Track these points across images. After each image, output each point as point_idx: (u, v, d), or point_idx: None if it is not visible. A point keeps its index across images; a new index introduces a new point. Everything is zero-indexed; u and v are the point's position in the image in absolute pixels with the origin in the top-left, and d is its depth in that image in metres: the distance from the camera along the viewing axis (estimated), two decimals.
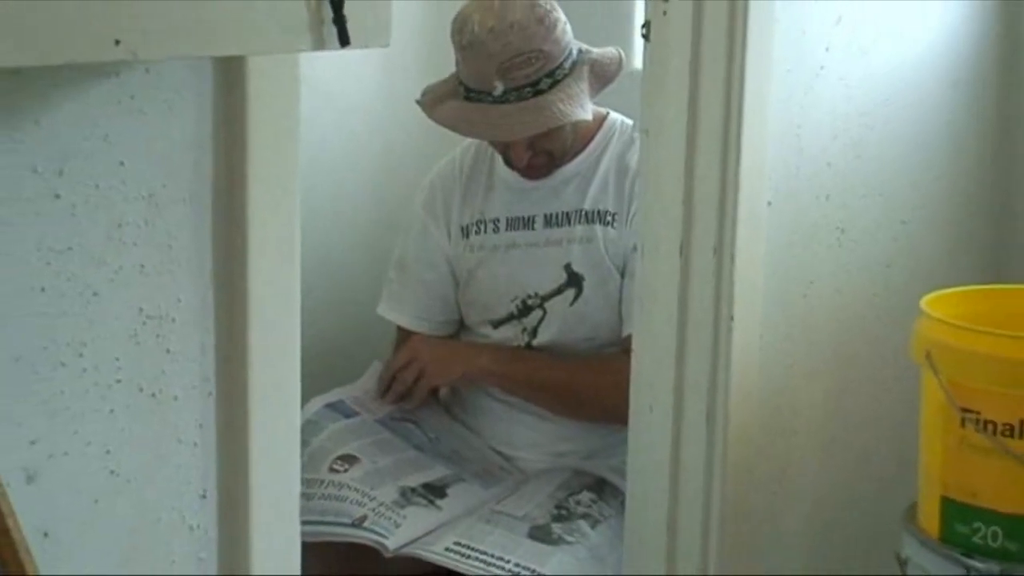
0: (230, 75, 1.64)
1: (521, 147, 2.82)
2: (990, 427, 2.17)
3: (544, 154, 2.85)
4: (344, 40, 1.47)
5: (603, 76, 2.84)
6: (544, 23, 2.75)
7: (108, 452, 1.61)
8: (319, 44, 1.46)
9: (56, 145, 1.51)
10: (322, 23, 1.46)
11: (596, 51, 2.85)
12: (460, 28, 2.77)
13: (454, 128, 2.86)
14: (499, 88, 2.74)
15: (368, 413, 2.93)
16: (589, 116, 2.81)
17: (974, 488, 2.21)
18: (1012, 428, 2.15)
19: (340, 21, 1.47)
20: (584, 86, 2.79)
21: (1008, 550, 2.19)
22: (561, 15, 2.79)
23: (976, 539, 2.21)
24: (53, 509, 1.56)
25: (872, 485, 2.57)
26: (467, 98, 2.80)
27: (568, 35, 2.80)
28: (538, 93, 2.75)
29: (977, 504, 2.21)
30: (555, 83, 2.76)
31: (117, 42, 1.30)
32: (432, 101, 2.85)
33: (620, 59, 2.87)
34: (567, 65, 2.78)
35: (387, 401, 2.95)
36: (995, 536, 2.19)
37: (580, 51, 2.82)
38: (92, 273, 1.57)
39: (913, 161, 2.66)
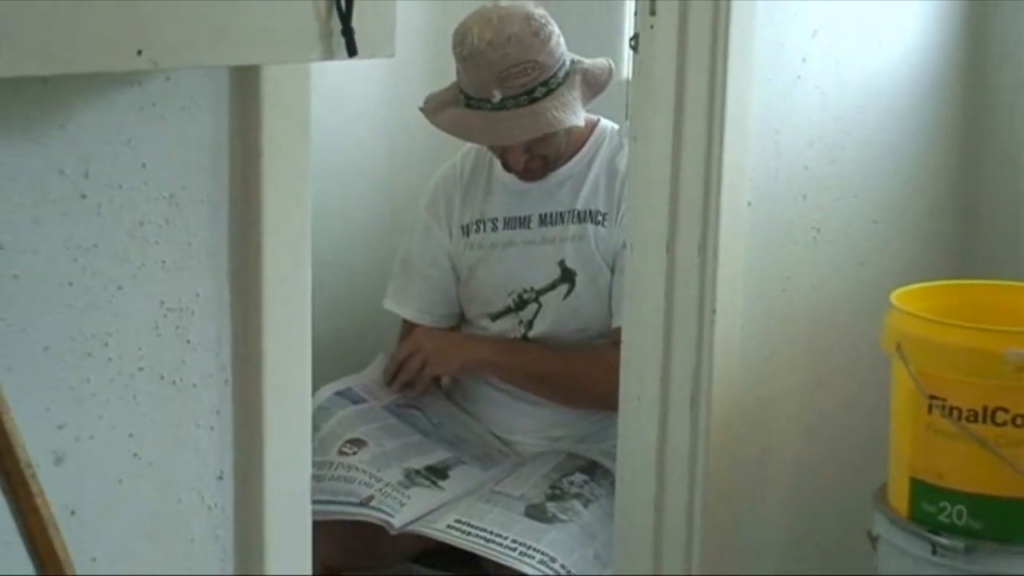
0: (245, 83, 1.64)
1: (518, 151, 2.82)
2: (956, 413, 2.17)
3: (539, 158, 2.85)
4: (352, 50, 1.47)
5: (594, 85, 2.84)
6: (539, 36, 2.75)
7: (131, 436, 1.61)
8: (328, 54, 1.46)
9: (82, 149, 1.51)
10: (331, 34, 1.46)
11: (588, 62, 2.85)
12: (461, 40, 2.77)
13: (455, 133, 2.86)
14: (497, 96, 2.74)
15: (375, 400, 2.93)
16: (581, 122, 2.81)
17: (941, 470, 2.21)
18: (976, 414, 2.15)
19: (348, 33, 1.46)
20: (576, 94, 2.79)
21: (972, 528, 2.18)
22: (555, 28, 2.79)
23: (942, 517, 2.21)
24: (79, 489, 1.55)
25: (846, 467, 2.57)
26: (467, 105, 2.79)
27: (561, 47, 2.79)
28: (533, 101, 2.74)
29: (943, 485, 2.20)
30: (549, 91, 2.76)
31: (139, 52, 1.30)
32: (434, 108, 2.85)
33: (610, 69, 2.87)
34: (561, 75, 2.78)
35: (393, 389, 2.95)
36: (960, 515, 2.19)
37: (573, 62, 2.82)
38: (116, 269, 1.57)
39: (884, 165, 2.66)
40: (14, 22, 1.20)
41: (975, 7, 2.81)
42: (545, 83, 2.75)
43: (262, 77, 1.64)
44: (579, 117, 2.79)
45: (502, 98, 2.74)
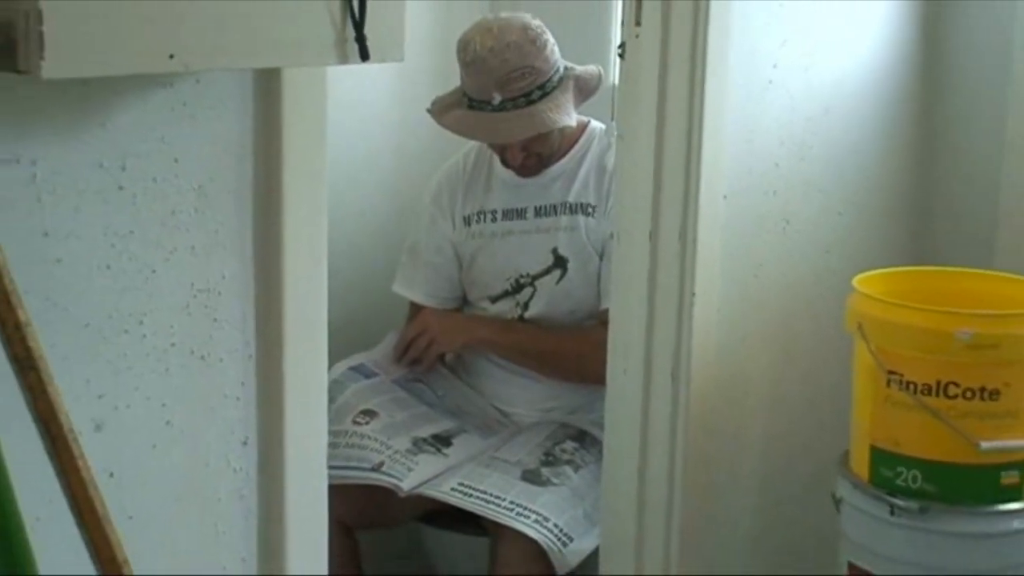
0: (268, 85, 1.64)
1: (516, 148, 2.82)
2: (911, 387, 2.17)
3: (535, 156, 2.85)
4: (364, 55, 1.47)
5: (585, 89, 2.84)
6: (536, 44, 2.75)
7: (164, 405, 1.61)
8: (343, 59, 1.46)
9: (119, 145, 1.51)
10: (346, 41, 1.46)
11: (579, 69, 2.84)
12: (464, 48, 2.77)
13: (459, 132, 2.86)
14: (497, 98, 2.74)
15: (385, 374, 2.93)
16: (573, 123, 2.81)
17: (897, 438, 2.21)
18: (930, 387, 2.16)
19: (361, 40, 1.46)
20: (569, 97, 2.78)
21: (926, 490, 2.19)
22: (550, 37, 2.79)
23: (899, 481, 2.21)
24: (117, 453, 1.56)
25: (812, 436, 2.57)
26: (470, 107, 2.79)
27: (556, 54, 2.79)
28: (530, 103, 2.74)
29: (900, 452, 2.21)
30: (545, 94, 2.76)
31: (171, 56, 1.30)
32: (440, 110, 2.85)
33: (599, 75, 2.87)
34: (555, 79, 2.78)
35: (402, 365, 2.96)
36: (915, 479, 2.20)
37: (566, 68, 2.82)
38: (150, 253, 1.56)
39: (848, 162, 2.65)
40: (58, 30, 1.19)
41: (930, 19, 2.81)
42: (541, 87, 2.75)
43: (283, 80, 1.64)
44: (571, 118, 2.79)
45: (501, 100, 2.74)
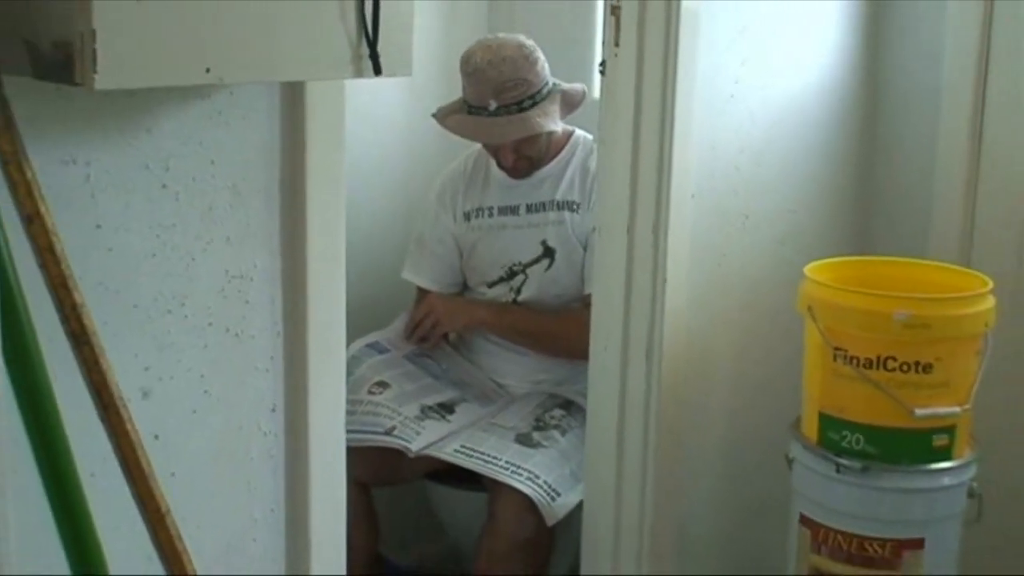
0: (293, 96, 1.64)
1: (508, 150, 2.82)
2: (855, 361, 2.17)
3: (525, 159, 2.85)
4: (377, 70, 1.46)
5: (571, 103, 2.84)
6: (528, 59, 2.75)
7: (202, 376, 1.61)
8: (359, 73, 1.46)
9: (163, 148, 1.51)
10: (361, 58, 1.46)
11: (566, 85, 2.84)
12: (466, 60, 2.77)
13: (459, 134, 2.85)
14: (493, 105, 2.74)
15: (397, 350, 2.92)
16: (559, 129, 2.82)
17: (843, 406, 2.21)
18: (871, 361, 2.16)
19: (374, 56, 1.46)
20: (556, 108, 2.78)
21: (868, 451, 2.19)
22: (541, 55, 2.79)
23: (844, 443, 2.21)
24: (162, 418, 1.56)
25: (769, 405, 2.57)
26: (469, 112, 2.79)
27: (546, 70, 2.79)
28: (522, 110, 2.75)
29: (845, 418, 2.21)
30: (535, 103, 2.76)
31: (208, 70, 1.29)
32: (443, 115, 2.85)
33: (583, 92, 2.87)
34: (544, 92, 2.78)
35: (411, 342, 2.95)
36: (858, 441, 2.20)
37: (554, 83, 2.82)
38: (191, 243, 1.56)
39: (799, 166, 2.65)
40: (109, 48, 1.19)
41: (870, 45, 2.82)
42: (531, 97, 2.75)
43: (306, 92, 1.64)
44: (557, 125, 2.79)
45: (497, 106, 2.74)
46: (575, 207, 2.87)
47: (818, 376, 2.25)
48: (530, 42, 2.79)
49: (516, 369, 2.96)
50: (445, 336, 3.02)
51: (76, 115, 1.41)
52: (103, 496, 1.39)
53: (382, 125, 3.11)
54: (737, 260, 2.52)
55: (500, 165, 2.89)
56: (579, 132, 2.94)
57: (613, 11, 2.25)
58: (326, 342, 1.75)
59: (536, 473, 2.60)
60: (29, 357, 1.28)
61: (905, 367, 2.14)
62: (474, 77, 2.75)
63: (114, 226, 1.47)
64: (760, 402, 2.62)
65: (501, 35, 2.85)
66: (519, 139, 2.78)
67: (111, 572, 1.38)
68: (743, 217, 2.51)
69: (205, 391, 1.61)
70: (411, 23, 1.50)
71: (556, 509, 2.58)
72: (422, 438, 2.69)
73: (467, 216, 2.96)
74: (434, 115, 2.87)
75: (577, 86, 2.87)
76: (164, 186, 1.52)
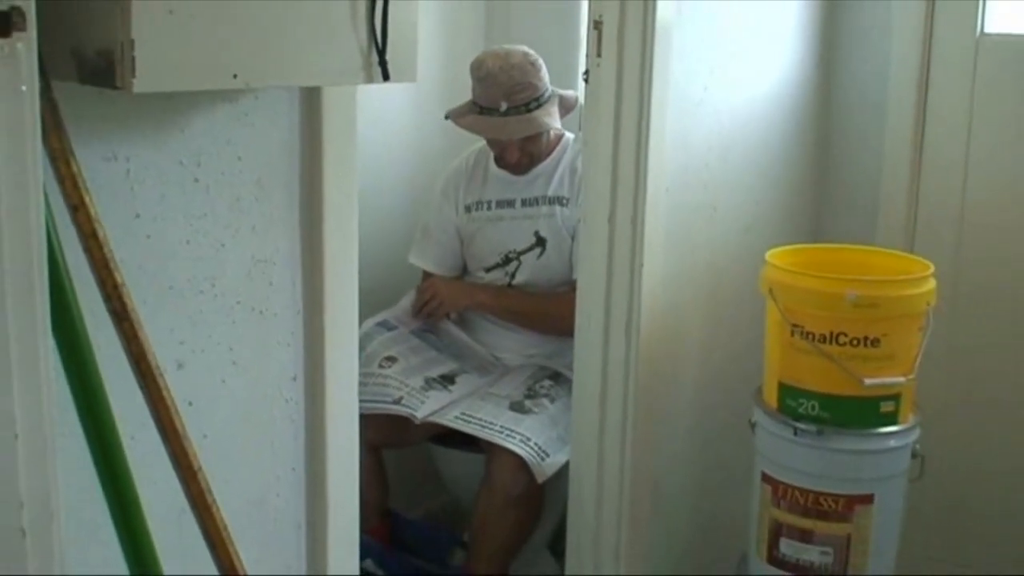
0: (311, 100, 1.62)
1: (514, 147, 2.82)
2: (811, 336, 2.17)
3: (527, 155, 2.84)
4: (386, 76, 1.45)
5: (567, 106, 2.85)
6: (534, 66, 2.77)
7: (231, 349, 1.60)
8: (369, 79, 1.45)
9: (195, 146, 1.50)
10: (371, 65, 1.44)
11: (563, 91, 2.86)
12: (479, 66, 2.78)
13: (475, 132, 2.85)
14: (504, 106, 2.75)
15: (404, 327, 2.92)
16: (560, 127, 2.84)
17: (800, 376, 2.21)
18: (825, 336, 2.16)
19: (383, 64, 1.45)
20: (555, 109, 2.80)
21: (822, 417, 2.19)
22: (543, 63, 2.81)
23: (801, 410, 2.21)
24: (195, 387, 1.55)
25: (734, 375, 2.57)
26: (480, 113, 2.79)
27: (547, 77, 2.81)
28: (529, 110, 2.76)
29: (802, 387, 2.21)
30: (540, 105, 2.77)
31: (235, 76, 1.28)
32: (457, 116, 2.84)
33: (576, 98, 2.87)
34: (546, 95, 2.79)
35: (419, 319, 2.95)
36: (813, 408, 2.20)
37: (553, 89, 2.83)
38: (220, 231, 1.55)
39: (762, 162, 2.65)
40: (147, 55, 1.18)
41: (825, 54, 2.82)
42: (537, 99, 2.76)
43: (323, 96, 1.62)
44: (558, 124, 2.82)
45: (507, 107, 2.75)
46: (564, 202, 2.86)
47: (778, 350, 2.25)
48: (533, 52, 2.80)
49: (510, 344, 2.96)
50: (447, 315, 3.01)
51: (117, 116, 1.40)
52: (142, 456, 1.38)
53: (391, 127, 3.10)
54: (706, 247, 2.52)
55: (500, 163, 2.88)
56: (568, 134, 2.94)
57: (595, 26, 2.24)
58: (341, 320, 1.74)
59: (528, 436, 2.60)
60: (76, 333, 1.27)
61: (855, 341, 2.14)
62: (487, 81, 2.76)
63: (151, 216, 1.46)
64: (726, 373, 2.62)
65: (507, 45, 2.85)
66: (525, 137, 2.78)
67: (150, 521, 1.37)
68: (712, 209, 2.51)
69: (233, 363, 1.60)
70: (416, 34, 1.49)
71: (546, 468, 2.58)
72: (427, 406, 2.68)
73: (468, 209, 2.95)
74: (447, 116, 2.86)
75: (571, 92, 2.88)
76: (196, 180, 1.51)
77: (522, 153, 2.83)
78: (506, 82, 2.74)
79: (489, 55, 2.80)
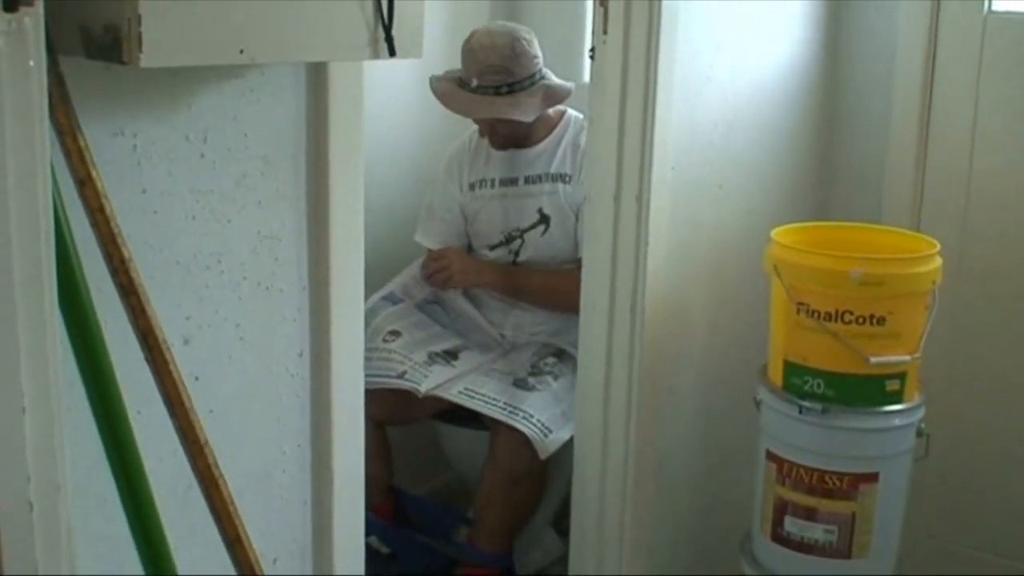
0: (317, 76, 1.62)
1: (484, 124, 2.84)
2: (816, 314, 2.17)
3: (501, 136, 2.83)
4: (392, 52, 1.45)
5: (554, 98, 2.80)
6: (515, 51, 2.73)
7: (238, 325, 1.60)
8: (375, 55, 1.45)
9: (201, 122, 1.50)
10: (378, 41, 1.44)
11: (555, 82, 2.81)
12: (467, 39, 2.79)
13: (442, 100, 2.82)
14: (474, 83, 2.75)
15: (410, 300, 2.92)
16: (527, 119, 2.77)
17: (805, 354, 2.22)
18: (830, 315, 2.16)
19: (389, 40, 1.45)
20: (534, 101, 2.76)
21: (827, 395, 2.20)
22: (532, 50, 2.76)
23: (806, 388, 2.22)
24: (201, 362, 1.55)
25: (739, 354, 2.58)
26: (459, 85, 2.79)
27: (533, 64, 2.76)
28: (497, 94, 2.74)
29: (807, 365, 2.22)
30: (510, 92, 2.74)
31: (241, 51, 1.28)
32: (435, 81, 2.84)
33: (570, 90, 2.82)
34: (525, 83, 2.75)
35: (428, 283, 2.94)
36: (818, 386, 2.20)
37: (542, 78, 2.79)
38: (226, 207, 1.55)
39: (766, 141, 2.65)
40: (153, 30, 1.18)
41: (831, 31, 2.81)
42: (509, 85, 2.74)
43: (329, 71, 1.62)
44: (527, 116, 2.76)
45: (476, 85, 2.74)
46: (567, 179, 2.86)
47: (783, 328, 2.25)
48: (527, 36, 2.76)
49: (515, 321, 2.96)
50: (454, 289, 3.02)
51: (124, 91, 1.40)
52: (149, 430, 1.39)
53: (396, 105, 3.10)
54: (711, 225, 2.52)
55: (481, 133, 2.88)
56: (571, 111, 2.93)
57: (602, 3, 2.24)
58: (346, 295, 1.74)
59: (531, 413, 2.61)
60: (82, 307, 1.28)
61: (861, 320, 2.14)
62: (466, 55, 2.76)
63: (158, 191, 1.46)
64: (731, 351, 2.63)
65: (506, 24, 2.83)
66: (494, 118, 2.76)
67: (157, 495, 1.38)
68: (717, 187, 2.51)
69: (240, 338, 1.61)
70: (422, 10, 1.49)
71: (548, 444, 2.59)
72: (429, 380, 2.69)
73: (472, 187, 2.95)
74: (431, 78, 2.84)
75: (565, 84, 2.82)
76: (202, 156, 1.51)
77: (492, 131, 2.82)
78: (483, 60, 2.73)
79: (481, 31, 2.79)
